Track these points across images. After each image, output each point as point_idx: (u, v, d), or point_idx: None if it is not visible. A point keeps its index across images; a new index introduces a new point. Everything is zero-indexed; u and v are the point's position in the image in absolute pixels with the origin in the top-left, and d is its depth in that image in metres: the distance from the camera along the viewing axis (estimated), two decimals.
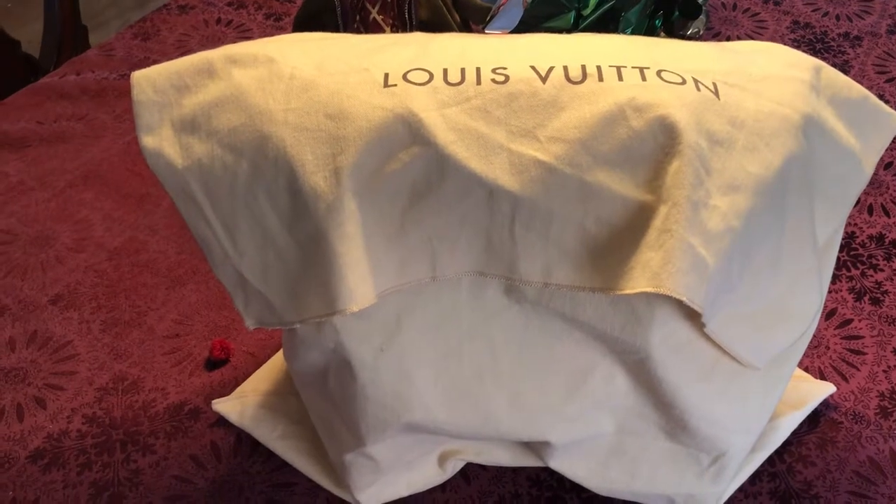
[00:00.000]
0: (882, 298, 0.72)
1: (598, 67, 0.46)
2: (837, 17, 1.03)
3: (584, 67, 0.46)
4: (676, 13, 0.79)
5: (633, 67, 0.46)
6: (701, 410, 0.51)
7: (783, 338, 0.51)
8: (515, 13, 0.68)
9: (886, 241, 0.77)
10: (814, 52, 0.98)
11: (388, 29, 0.67)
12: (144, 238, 0.76)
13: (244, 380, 0.65)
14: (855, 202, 0.53)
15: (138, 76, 0.48)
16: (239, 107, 0.46)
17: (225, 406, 0.62)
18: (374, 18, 0.66)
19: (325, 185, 0.44)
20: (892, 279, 0.74)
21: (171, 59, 0.96)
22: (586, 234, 0.45)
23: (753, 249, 0.46)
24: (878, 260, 0.75)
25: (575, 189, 0.44)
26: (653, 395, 0.51)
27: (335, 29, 0.69)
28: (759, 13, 1.04)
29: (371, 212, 0.45)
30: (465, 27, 0.71)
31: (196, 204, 0.47)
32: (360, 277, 0.44)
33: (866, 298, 0.72)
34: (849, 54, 0.98)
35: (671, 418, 0.52)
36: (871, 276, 0.74)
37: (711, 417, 0.51)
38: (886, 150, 0.86)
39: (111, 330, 0.69)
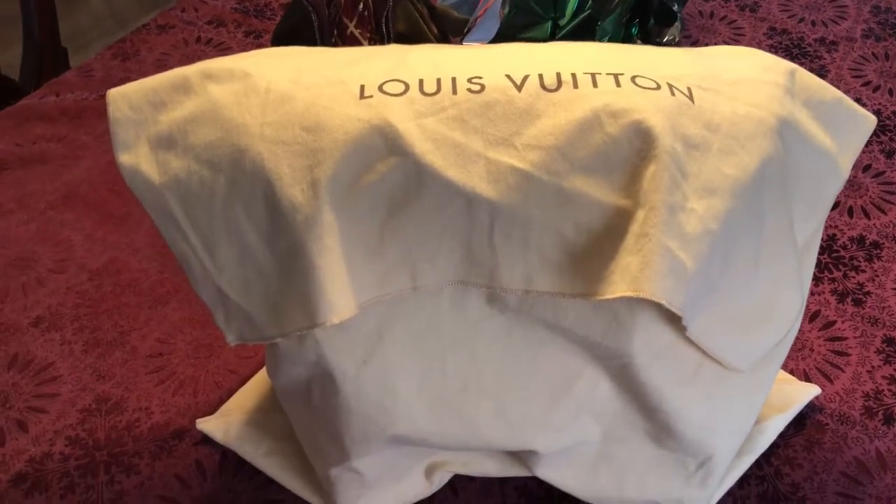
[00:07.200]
0: (864, 300, 0.73)
1: (573, 75, 0.46)
2: (813, 23, 1.04)
3: (558, 75, 0.46)
4: (652, 21, 0.80)
5: (607, 74, 0.46)
6: (685, 414, 0.51)
7: (766, 339, 0.51)
8: (492, 24, 0.69)
9: (867, 242, 0.78)
10: (791, 58, 0.99)
11: (365, 42, 0.67)
12: (126, 258, 0.76)
13: (228, 398, 0.65)
14: (833, 202, 0.53)
15: (114, 94, 0.48)
16: (215, 122, 0.46)
17: (209, 424, 0.62)
18: (352, 32, 0.66)
19: (302, 198, 0.43)
20: (873, 280, 0.74)
21: None
22: (565, 241, 0.45)
23: (733, 251, 0.47)
24: (859, 261, 0.76)
25: (552, 195, 0.44)
26: (637, 400, 0.51)
27: (312, 43, 0.69)
28: (735, 20, 1.05)
29: (350, 224, 0.45)
30: (443, 39, 0.71)
31: (174, 220, 0.47)
32: (339, 289, 0.44)
33: (849, 300, 0.73)
34: (825, 59, 0.99)
35: (656, 423, 0.52)
36: (853, 277, 0.75)
37: (696, 421, 0.51)
38: (865, 152, 0.87)
39: (93, 351, 0.69)
